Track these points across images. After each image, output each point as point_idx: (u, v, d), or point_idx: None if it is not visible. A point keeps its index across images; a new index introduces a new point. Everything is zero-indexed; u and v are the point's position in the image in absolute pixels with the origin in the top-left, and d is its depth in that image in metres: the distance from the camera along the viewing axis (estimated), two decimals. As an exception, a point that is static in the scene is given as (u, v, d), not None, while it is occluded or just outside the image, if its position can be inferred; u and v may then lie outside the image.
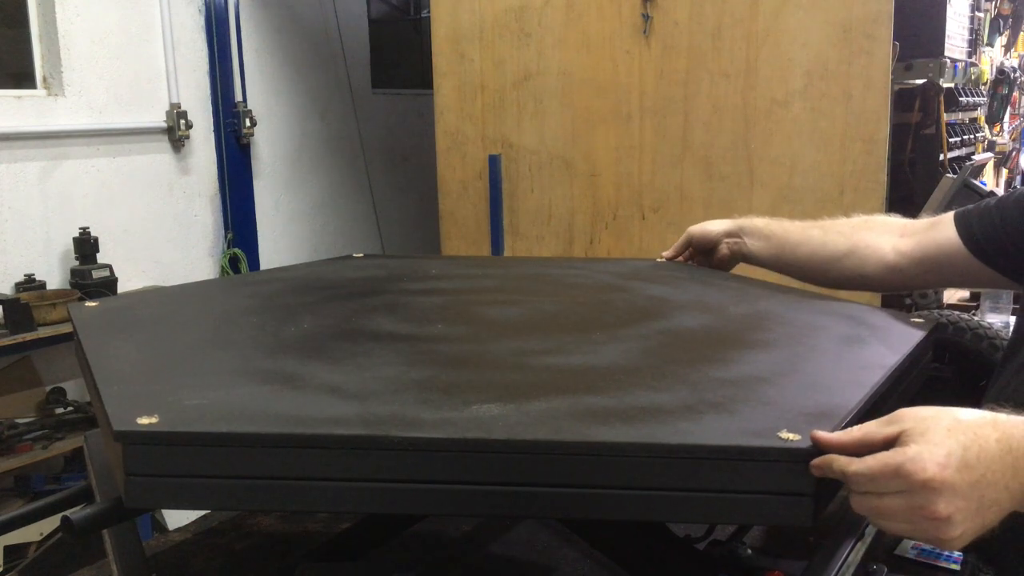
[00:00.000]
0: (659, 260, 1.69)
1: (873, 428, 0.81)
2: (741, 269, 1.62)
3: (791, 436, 0.80)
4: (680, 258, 1.68)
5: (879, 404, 0.96)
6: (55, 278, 3.95)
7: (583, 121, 3.48)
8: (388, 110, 5.94)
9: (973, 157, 3.67)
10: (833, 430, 0.82)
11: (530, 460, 0.80)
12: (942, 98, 3.21)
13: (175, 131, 4.40)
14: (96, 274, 3.88)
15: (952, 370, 2.94)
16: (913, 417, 0.80)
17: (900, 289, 2.24)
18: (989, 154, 4.21)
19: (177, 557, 1.51)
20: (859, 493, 0.79)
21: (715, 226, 1.60)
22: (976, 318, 2.21)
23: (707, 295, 1.43)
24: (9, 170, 3.79)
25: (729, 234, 1.58)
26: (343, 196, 5.65)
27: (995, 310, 2.78)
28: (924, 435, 0.77)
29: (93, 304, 1.37)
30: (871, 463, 0.77)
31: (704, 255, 1.64)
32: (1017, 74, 4.46)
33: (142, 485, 0.81)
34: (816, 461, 0.79)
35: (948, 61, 3.20)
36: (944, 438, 0.77)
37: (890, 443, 0.79)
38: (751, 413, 0.87)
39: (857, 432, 0.81)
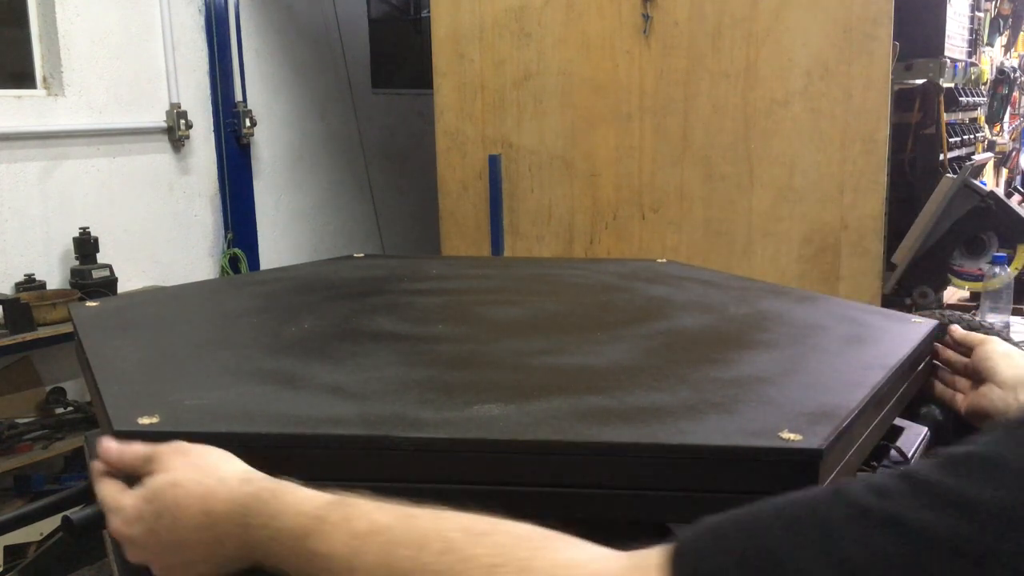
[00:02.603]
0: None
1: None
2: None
3: (792, 436, 0.80)
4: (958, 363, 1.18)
5: (880, 404, 0.96)
6: (55, 278, 3.95)
7: (583, 121, 3.48)
8: (388, 110, 5.94)
9: (973, 157, 3.66)
10: (833, 429, 0.81)
11: (530, 460, 0.80)
12: (942, 98, 3.20)
13: (175, 131, 4.40)
14: (96, 274, 3.88)
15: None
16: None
17: None
18: (989, 154, 4.21)
19: (177, 557, 1.51)
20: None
21: None
22: (976, 318, 2.21)
23: (708, 295, 1.43)
24: (9, 170, 3.79)
25: None
26: (343, 196, 5.65)
27: (995, 310, 2.77)
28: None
29: (93, 304, 1.37)
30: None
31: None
32: (1017, 74, 4.46)
33: (142, 485, 0.81)
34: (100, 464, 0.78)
35: (948, 61, 3.20)
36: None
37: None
38: (752, 413, 0.87)
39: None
